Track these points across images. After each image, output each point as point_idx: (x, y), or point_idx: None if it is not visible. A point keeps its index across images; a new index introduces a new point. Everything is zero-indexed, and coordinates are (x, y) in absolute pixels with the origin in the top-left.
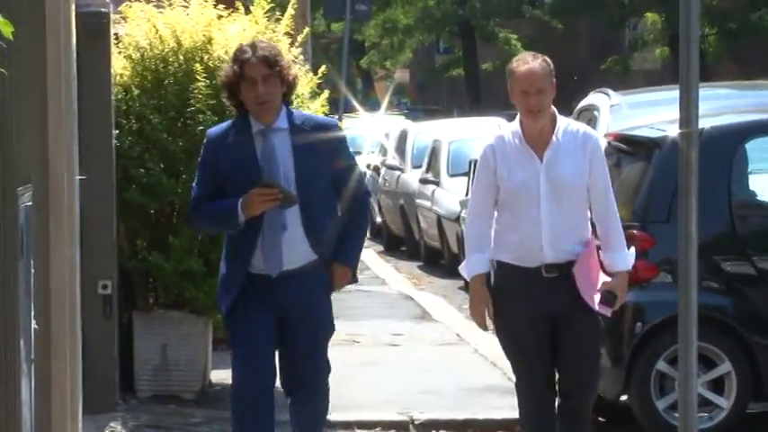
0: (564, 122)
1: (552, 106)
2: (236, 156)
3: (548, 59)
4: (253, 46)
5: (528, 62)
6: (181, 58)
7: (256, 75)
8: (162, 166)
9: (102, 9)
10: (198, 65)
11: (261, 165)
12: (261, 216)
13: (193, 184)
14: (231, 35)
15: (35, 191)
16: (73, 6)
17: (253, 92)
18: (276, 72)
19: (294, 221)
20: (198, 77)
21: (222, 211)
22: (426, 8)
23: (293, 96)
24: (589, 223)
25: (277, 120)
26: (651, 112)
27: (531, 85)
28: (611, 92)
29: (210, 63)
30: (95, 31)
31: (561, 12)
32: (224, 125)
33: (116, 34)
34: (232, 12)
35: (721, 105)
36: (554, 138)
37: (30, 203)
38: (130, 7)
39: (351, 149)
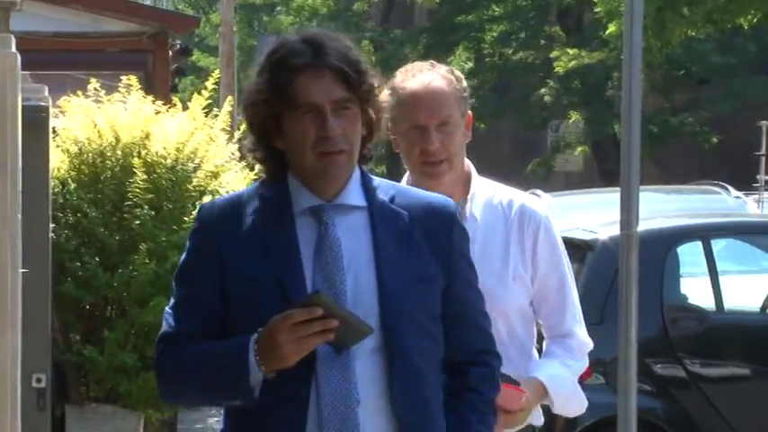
0: (486, 188)
1: (467, 161)
2: (262, 255)
3: (456, 72)
4: (313, 40)
5: (422, 74)
6: (119, 152)
7: (321, 98)
8: (98, 259)
9: (42, 102)
10: (136, 159)
11: (313, 277)
12: (308, 371)
13: (167, 309)
14: (169, 131)
15: None
16: (19, 100)
17: (313, 130)
18: (360, 96)
19: (371, 384)
20: (136, 172)
21: (220, 360)
22: None
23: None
24: (533, 353)
25: (345, 190)
26: (583, 214)
27: (431, 112)
28: (541, 193)
29: (148, 158)
30: (34, 124)
31: (484, 113)
32: (233, 198)
33: (53, 128)
34: (170, 107)
35: (650, 210)
36: (466, 214)
37: None
38: (69, 101)
39: None
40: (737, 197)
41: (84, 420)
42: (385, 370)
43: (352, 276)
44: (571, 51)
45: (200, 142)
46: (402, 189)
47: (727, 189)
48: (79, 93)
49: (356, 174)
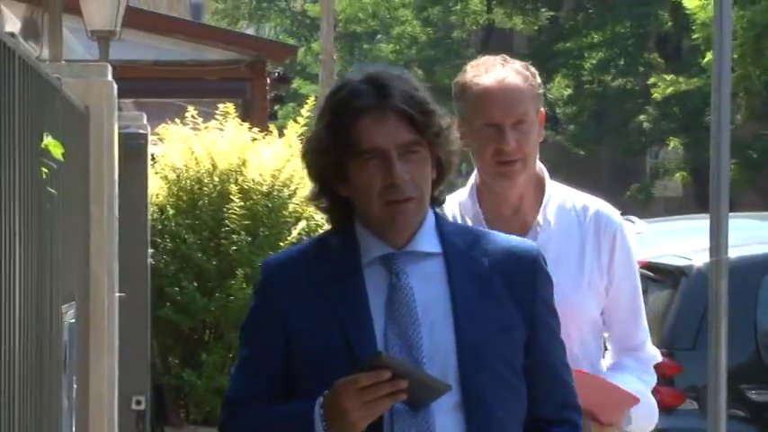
0: (559, 192)
1: (539, 163)
2: (328, 310)
3: (531, 68)
4: (376, 80)
5: (496, 69)
6: (216, 179)
7: (386, 143)
8: (195, 284)
9: (141, 130)
10: (232, 186)
11: (384, 330)
12: (378, 430)
13: (232, 370)
14: (265, 157)
15: (78, 308)
16: (116, 127)
17: (378, 178)
18: (428, 138)
19: None
20: (232, 198)
21: (285, 427)
22: None
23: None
24: (602, 368)
25: (418, 236)
26: (677, 240)
27: (506, 110)
28: (636, 219)
29: (245, 185)
30: (133, 152)
31: (583, 139)
32: (297, 250)
33: (152, 155)
34: (266, 135)
35: (746, 236)
36: (539, 218)
37: (73, 320)
38: (167, 129)
39: None
40: None
41: None
42: (466, 427)
43: (428, 328)
44: (668, 78)
45: (296, 169)
46: (480, 233)
47: None
48: (177, 120)
49: (430, 218)
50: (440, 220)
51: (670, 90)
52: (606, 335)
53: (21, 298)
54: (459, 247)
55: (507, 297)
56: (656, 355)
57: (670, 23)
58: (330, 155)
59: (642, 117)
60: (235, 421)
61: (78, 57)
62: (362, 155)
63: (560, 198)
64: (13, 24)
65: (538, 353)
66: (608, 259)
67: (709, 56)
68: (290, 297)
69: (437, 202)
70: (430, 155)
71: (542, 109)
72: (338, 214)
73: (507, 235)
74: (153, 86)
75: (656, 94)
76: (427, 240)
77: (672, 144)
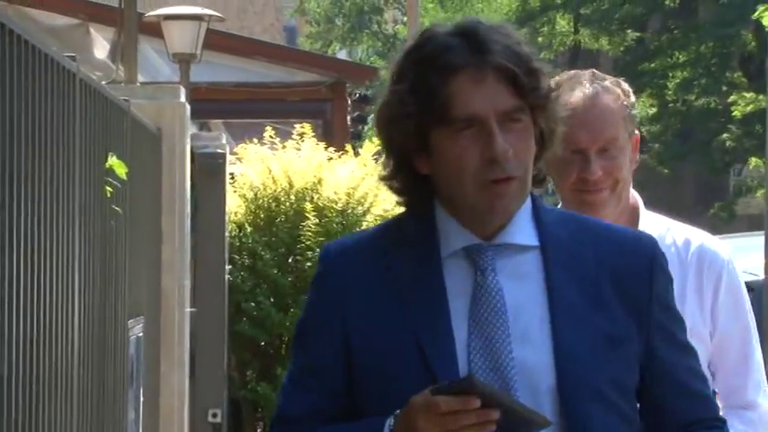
0: (657, 226)
1: (634, 191)
2: (398, 310)
3: (624, 84)
4: (470, 32)
5: (583, 86)
6: (292, 197)
7: (485, 108)
8: (272, 300)
9: (219, 150)
10: (308, 204)
11: (467, 340)
12: None
13: (284, 381)
14: (340, 176)
15: (147, 323)
16: (188, 147)
17: (476, 151)
18: (533, 103)
19: None
20: (308, 216)
21: None
22: None
23: None
24: None
25: (512, 225)
26: (749, 256)
27: (593, 134)
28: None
29: (320, 203)
30: (212, 171)
31: (668, 158)
32: (364, 236)
33: (231, 174)
34: (342, 154)
35: None
36: None
37: (141, 335)
38: (246, 149)
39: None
40: None
41: None
42: None
43: (519, 336)
44: (748, 95)
45: (370, 187)
46: (585, 222)
47: None
48: (255, 140)
49: (526, 203)
50: (537, 206)
51: (750, 108)
52: (717, 392)
53: (80, 311)
54: (561, 240)
55: (617, 303)
56: None
57: (753, 44)
58: (414, 122)
59: (725, 135)
60: None
61: (165, 78)
62: (454, 123)
63: (658, 232)
64: (102, 48)
65: (657, 366)
66: (711, 300)
67: None
68: (351, 290)
69: (536, 182)
70: (533, 124)
71: (636, 132)
72: (413, 196)
73: (618, 225)
74: (235, 107)
75: (735, 112)
76: (522, 230)
77: (753, 162)
